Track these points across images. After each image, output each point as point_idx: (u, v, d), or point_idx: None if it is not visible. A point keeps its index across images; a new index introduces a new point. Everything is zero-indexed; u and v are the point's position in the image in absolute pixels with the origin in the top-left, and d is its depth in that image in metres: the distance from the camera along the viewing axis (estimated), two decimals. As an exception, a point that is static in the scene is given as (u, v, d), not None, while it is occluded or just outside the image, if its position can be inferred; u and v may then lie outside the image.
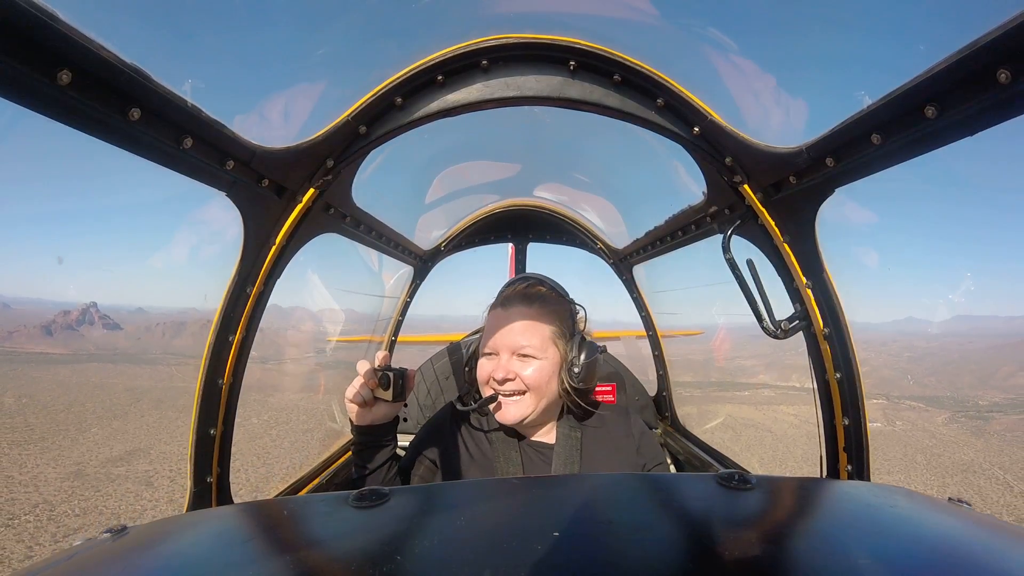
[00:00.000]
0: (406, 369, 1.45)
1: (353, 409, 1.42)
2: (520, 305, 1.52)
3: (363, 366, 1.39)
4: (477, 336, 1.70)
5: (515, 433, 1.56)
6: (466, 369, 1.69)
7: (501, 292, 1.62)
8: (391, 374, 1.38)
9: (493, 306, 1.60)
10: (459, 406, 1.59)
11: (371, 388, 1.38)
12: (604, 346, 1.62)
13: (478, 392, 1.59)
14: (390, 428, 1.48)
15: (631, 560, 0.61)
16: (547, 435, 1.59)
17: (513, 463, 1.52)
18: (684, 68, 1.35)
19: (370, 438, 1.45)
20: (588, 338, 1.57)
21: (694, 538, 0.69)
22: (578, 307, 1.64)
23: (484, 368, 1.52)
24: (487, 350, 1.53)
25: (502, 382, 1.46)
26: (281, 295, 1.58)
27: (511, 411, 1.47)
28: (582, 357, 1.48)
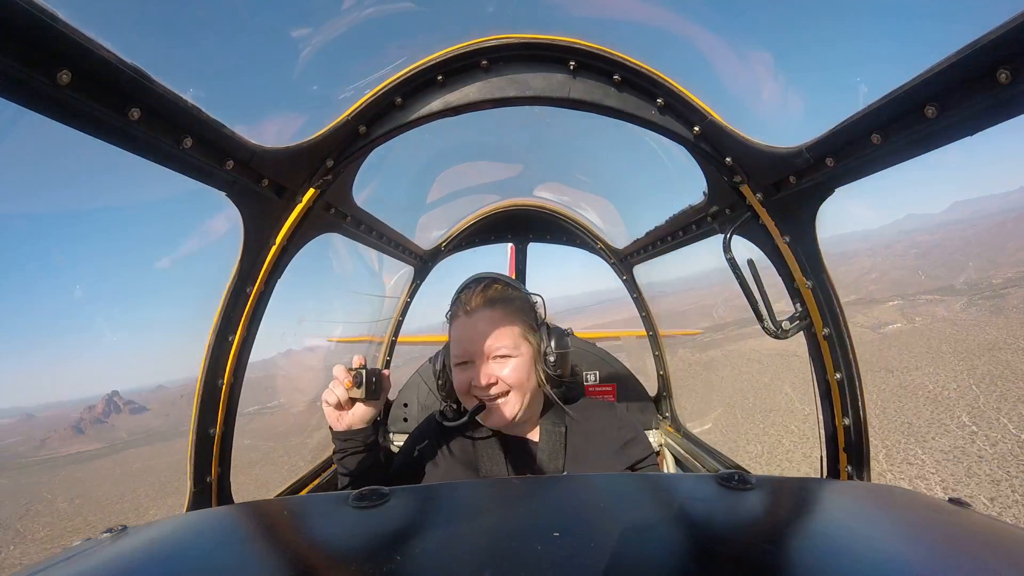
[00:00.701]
0: (380, 368, 1.46)
1: (330, 413, 1.41)
2: (484, 309, 1.49)
3: (338, 369, 1.39)
4: (443, 348, 1.67)
5: (498, 433, 1.56)
6: (439, 383, 1.66)
7: (458, 299, 1.57)
8: (363, 372, 1.39)
9: (454, 315, 1.56)
10: (445, 423, 1.55)
11: (345, 388, 1.38)
12: (570, 328, 1.65)
13: (456, 402, 1.58)
14: (369, 432, 1.46)
15: (631, 560, 0.61)
16: (532, 433, 1.59)
17: (498, 463, 1.52)
18: (684, 68, 1.35)
19: (350, 443, 1.43)
20: (551, 325, 1.58)
21: (694, 538, 0.69)
22: (535, 297, 1.65)
23: (461, 379, 1.49)
24: (460, 360, 1.49)
25: (486, 387, 1.45)
26: (282, 305, 1.58)
27: (501, 413, 1.46)
28: (553, 345, 1.50)
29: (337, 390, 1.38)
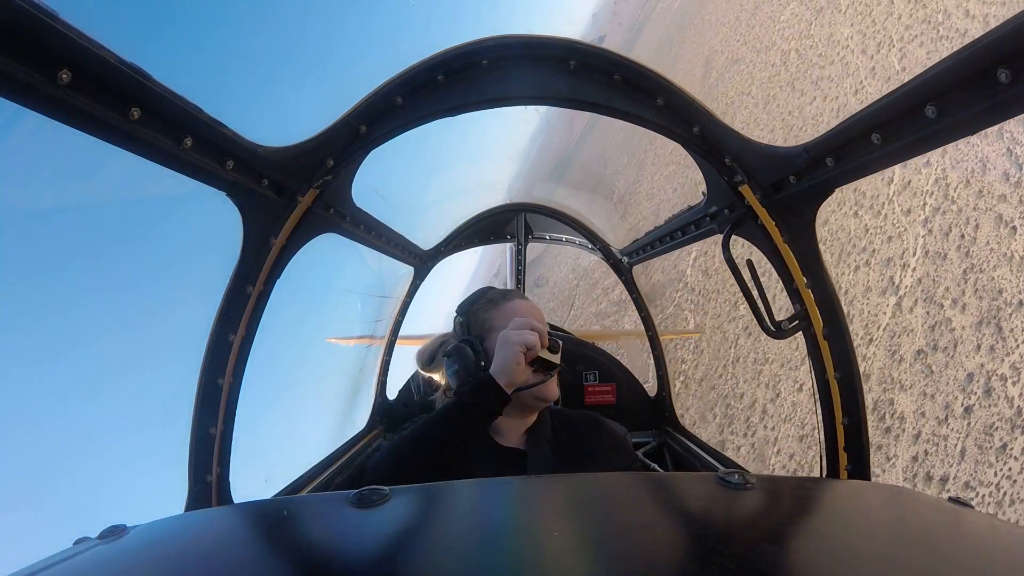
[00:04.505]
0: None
1: (515, 358, 1.26)
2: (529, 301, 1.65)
3: (536, 323, 1.34)
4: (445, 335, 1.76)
5: (490, 440, 1.54)
6: (481, 364, 1.50)
7: (502, 291, 1.68)
8: (560, 342, 1.28)
9: (508, 296, 1.64)
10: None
11: (544, 345, 1.28)
12: None
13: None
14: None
15: (631, 560, 0.61)
16: (519, 440, 1.57)
17: (488, 467, 1.48)
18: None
19: (496, 402, 1.28)
20: None
21: (694, 538, 0.69)
22: None
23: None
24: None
25: None
26: (282, 296, 1.57)
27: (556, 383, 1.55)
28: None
29: (535, 341, 1.27)
